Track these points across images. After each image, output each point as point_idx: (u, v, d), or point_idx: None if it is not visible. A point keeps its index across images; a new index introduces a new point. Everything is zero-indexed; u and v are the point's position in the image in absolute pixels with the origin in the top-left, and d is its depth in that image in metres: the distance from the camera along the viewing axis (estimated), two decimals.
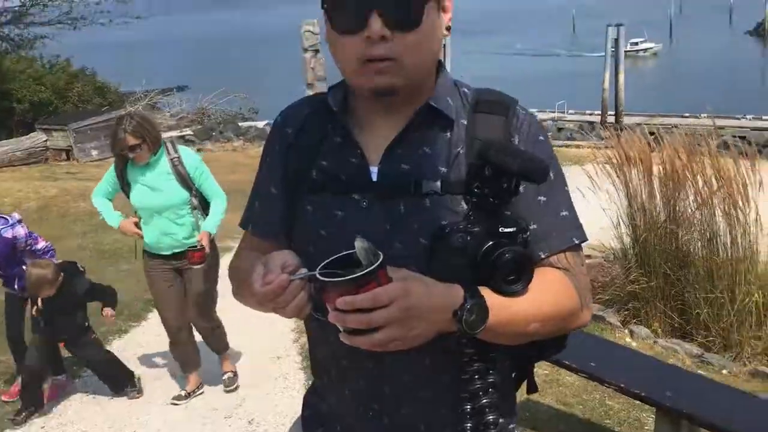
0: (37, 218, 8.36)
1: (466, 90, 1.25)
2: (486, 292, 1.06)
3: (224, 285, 1.53)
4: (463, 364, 1.13)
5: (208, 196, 3.76)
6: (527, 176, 1.09)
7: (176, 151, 3.70)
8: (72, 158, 13.84)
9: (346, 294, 0.95)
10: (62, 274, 3.67)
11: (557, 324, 1.16)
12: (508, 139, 1.19)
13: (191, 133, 18.52)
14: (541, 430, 3.33)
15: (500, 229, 1.10)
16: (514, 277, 1.09)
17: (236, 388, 4.01)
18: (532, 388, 1.36)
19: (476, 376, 1.13)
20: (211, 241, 3.77)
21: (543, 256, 1.18)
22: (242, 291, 1.26)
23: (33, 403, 3.74)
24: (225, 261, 6.43)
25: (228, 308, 5.92)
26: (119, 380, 3.99)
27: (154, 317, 5.51)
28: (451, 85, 1.24)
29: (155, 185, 3.64)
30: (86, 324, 3.90)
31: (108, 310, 3.89)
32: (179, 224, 3.69)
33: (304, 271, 1.05)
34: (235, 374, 4.10)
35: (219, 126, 19.29)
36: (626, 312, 5.15)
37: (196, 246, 3.65)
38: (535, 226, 1.18)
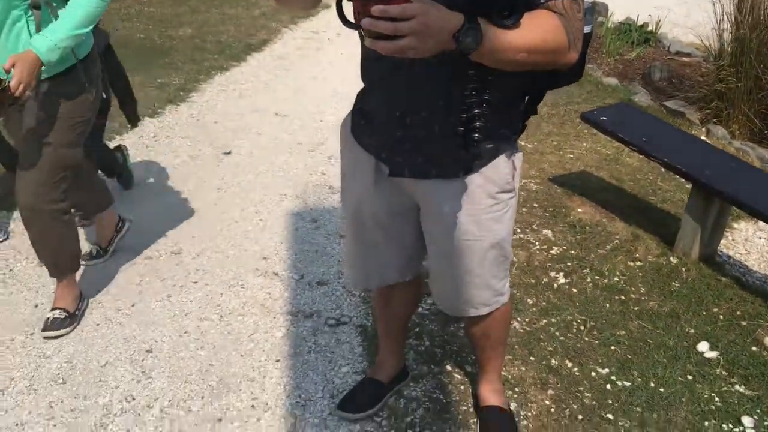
0: None
1: None
2: (483, 23, 1.23)
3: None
4: (466, 82, 1.38)
5: None
6: None
7: None
8: None
9: (380, 3, 1.13)
10: None
11: (544, 57, 1.32)
12: None
13: None
14: (590, 196, 3.62)
15: None
16: (508, 12, 1.26)
17: (58, 336, 2.47)
18: (532, 112, 1.64)
19: (473, 93, 1.40)
20: (60, 76, 2.27)
21: (542, 1, 1.33)
22: None
23: None
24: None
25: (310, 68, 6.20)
26: None
27: (253, 60, 5.94)
28: None
29: None
30: None
31: None
32: (12, 34, 2.16)
33: None
34: (68, 317, 2.51)
35: None
36: (708, 111, 5.15)
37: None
38: None
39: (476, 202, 1.65)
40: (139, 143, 4.18)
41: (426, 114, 1.55)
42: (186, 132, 4.40)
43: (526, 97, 1.63)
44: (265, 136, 4.40)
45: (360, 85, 1.76)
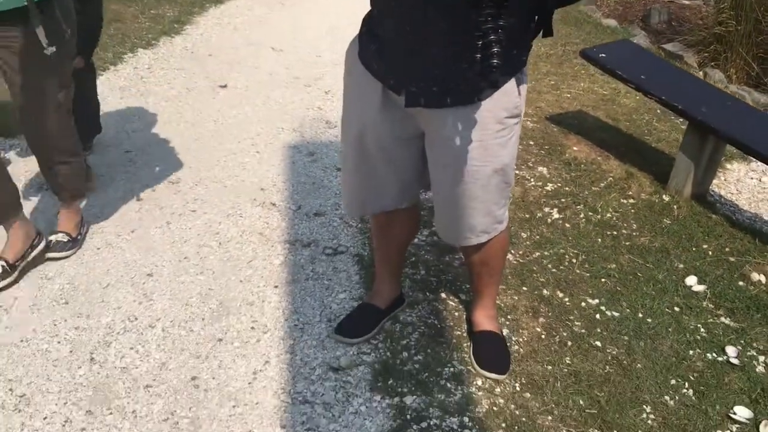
0: None
1: None
2: None
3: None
4: (482, 8, 1.39)
5: None
6: None
7: None
8: None
9: None
10: None
11: None
12: None
13: None
14: (585, 135, 3.64)
15: None
16: None
17: (60, 258, 2.51)
18: (549, 33, 1.62)
19: (489, 19, 1.40)
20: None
21: None
22: None
23: None
24: None
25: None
26: None
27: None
28: None
29: None
30: None
31: None
32: None
33: None
34: (70, 240, 2.53)
35: None
36: (706, 54, 5.14)
37: None
38: None
39: (486, 128, 1.66)
40: (133, 74, 4.14)
41: (442, 42, 1.54)
42: (181, 64, 4.36)
43: (536, 17, 1.63)
44: (261, 70, 4.37)
45: (359, 15, 1.75)
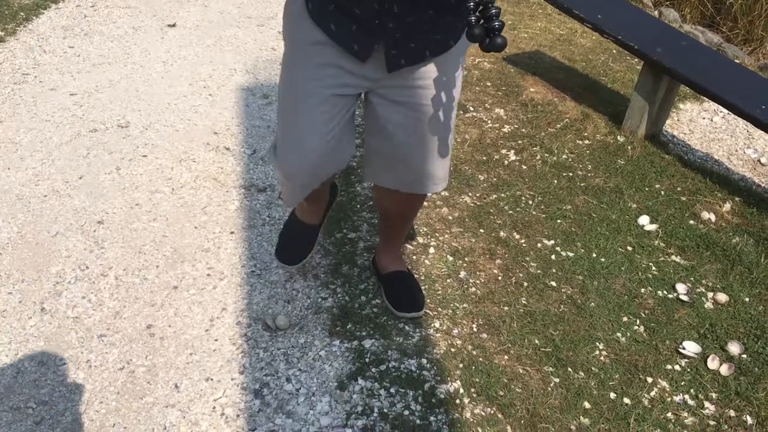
0: None
1: None
2: None
3: None
4: None
5: None
6: None
7: None
8: None
9: None
10: None
11: None
12: None
13: None
14: (542, 76, 3.62)
15: None
16: None
17: None
18: None
19: None
20: None
21: None
22: None
23: None
24: None
25: None
26: None
27: None
28: None
29: None
30: None
31: None
32: None
33: None
34: None
35: None
36: None
37: None
38: None
39: (455, 68, 1.61)
40: (76, 12, 3.95)
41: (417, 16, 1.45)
42: (127, 2, 4.18)
43: None
44: (211, 8, 4.22)
45: None
